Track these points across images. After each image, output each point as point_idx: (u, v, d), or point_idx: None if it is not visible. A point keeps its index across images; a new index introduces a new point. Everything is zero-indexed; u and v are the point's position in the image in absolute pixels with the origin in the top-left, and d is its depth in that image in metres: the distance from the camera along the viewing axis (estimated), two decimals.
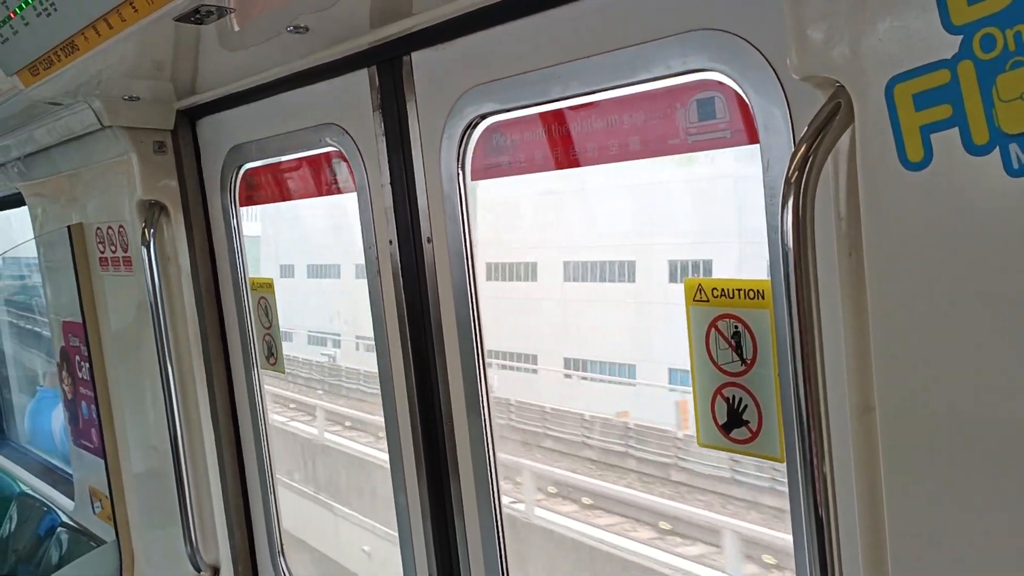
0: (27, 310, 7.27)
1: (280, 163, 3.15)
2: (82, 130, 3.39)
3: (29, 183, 4.31)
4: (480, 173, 2.34)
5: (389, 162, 2.57)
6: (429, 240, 2.50)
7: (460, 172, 2.36)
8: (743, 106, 1.68)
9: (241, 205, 3.32)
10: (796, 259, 1.33)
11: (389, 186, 2.58)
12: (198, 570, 3.56)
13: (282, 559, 3.53)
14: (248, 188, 3.28)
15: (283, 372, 3.33)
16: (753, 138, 1.66)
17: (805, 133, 1.34)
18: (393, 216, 2.59)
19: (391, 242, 2.61)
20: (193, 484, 3.56)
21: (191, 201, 3.43)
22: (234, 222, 3.33)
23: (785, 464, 1.66)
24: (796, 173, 1.34)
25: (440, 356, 2.56)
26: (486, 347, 2.47)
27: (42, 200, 4.31)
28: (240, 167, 3.25)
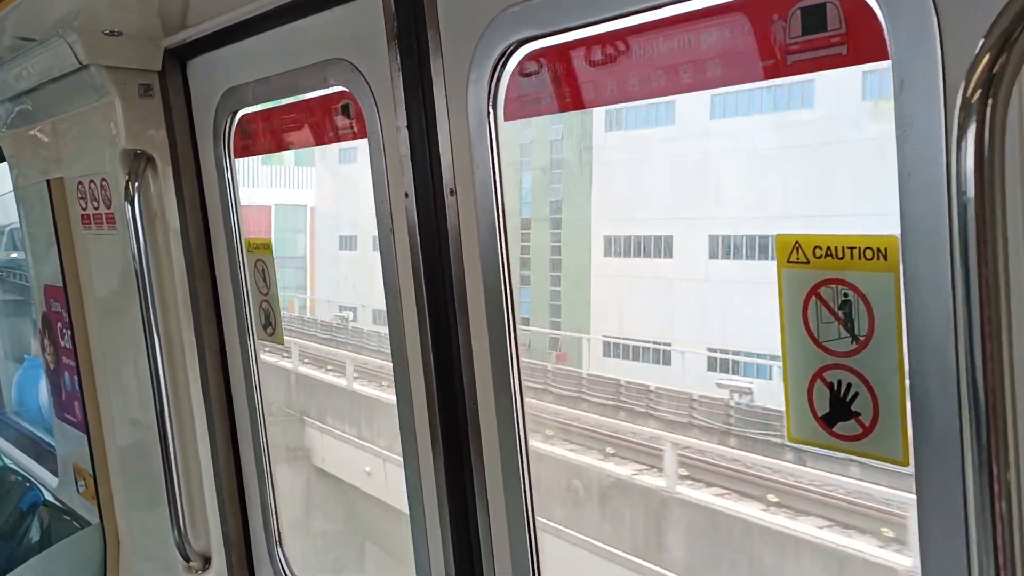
0: (16, 269, 6.94)
1: (281, 107, 2.79)
2: (59, 71, 3.03)
3: (6, 134, 3.95)
4: (515, 111, 1.99)
5: (406, 102, 2.21)
6: (452, 192, 2.15)
7: (491, 111, 2.00)
8: (864, 12, 1.31)
9: (236, 156, 2.96)
10: (979, 209, 0.97)
11: (406, 130, 2.22)
12: (187, 560, 3.25)
13: (279, 549, 3.21)
14: (244, 137, 2.93)
15: (281, 343, 2.99)
16: (878, 53, 1.30)
17: (990, 37, 0.98)
18: (410, 165, 2.23)
19: (407, 195, 2.26)
20: (182, 465, 3.24)
21: (181, 151, 3.08)
22: (228, 175, 2.98)
23: (913, 468, 1.32)
24: (979, 91, 0.98)
25: (463, 327, 2.22)
26: (518, 318, 2.13)
27: (21, 152, 3.95)
28: (235, 113, 2.89)
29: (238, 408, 3.26)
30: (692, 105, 32.22)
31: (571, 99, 1.88)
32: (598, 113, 35.94)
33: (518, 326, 2.10)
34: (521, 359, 2.13)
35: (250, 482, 3.26)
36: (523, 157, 39.75)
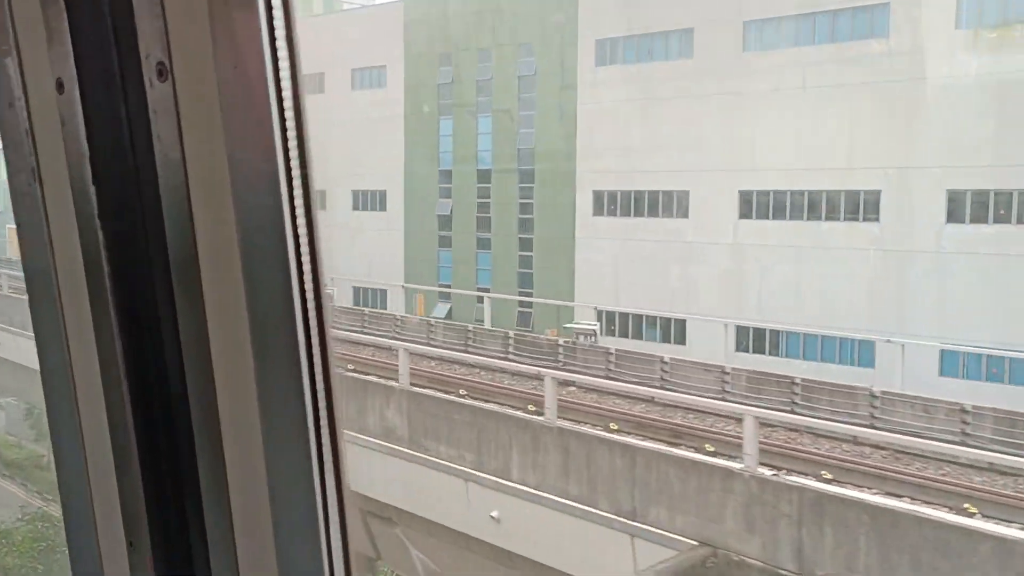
0: None
1: None
2: None
3: None
4: None
5: None
6: (164, 72, 1.05)
7: None
8: None
9: None
10: None
11: None
12: None
13: None
14: None
15: None
16: None
17: None
18: (71, 46, 1.12)
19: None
20: None
21: None
22: None
23: None
24: None
25: (197, 359, 1.13)
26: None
27: None
28: None
29: None
30: (717, 35, 27.71)
31: None
32: (585, 44, 31.06)
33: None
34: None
35: None
36: (481, 97, 35.24)
